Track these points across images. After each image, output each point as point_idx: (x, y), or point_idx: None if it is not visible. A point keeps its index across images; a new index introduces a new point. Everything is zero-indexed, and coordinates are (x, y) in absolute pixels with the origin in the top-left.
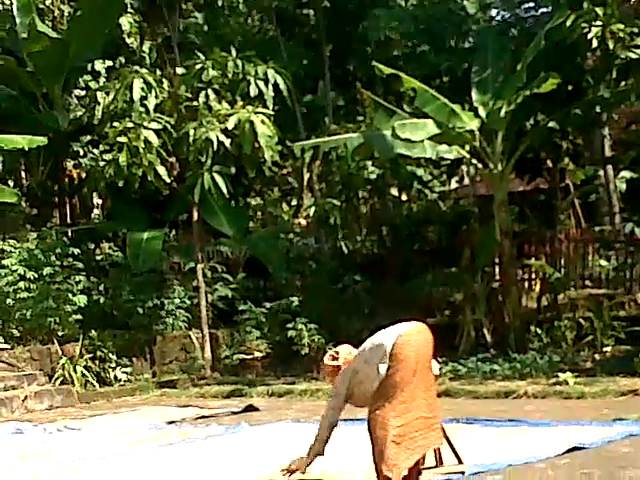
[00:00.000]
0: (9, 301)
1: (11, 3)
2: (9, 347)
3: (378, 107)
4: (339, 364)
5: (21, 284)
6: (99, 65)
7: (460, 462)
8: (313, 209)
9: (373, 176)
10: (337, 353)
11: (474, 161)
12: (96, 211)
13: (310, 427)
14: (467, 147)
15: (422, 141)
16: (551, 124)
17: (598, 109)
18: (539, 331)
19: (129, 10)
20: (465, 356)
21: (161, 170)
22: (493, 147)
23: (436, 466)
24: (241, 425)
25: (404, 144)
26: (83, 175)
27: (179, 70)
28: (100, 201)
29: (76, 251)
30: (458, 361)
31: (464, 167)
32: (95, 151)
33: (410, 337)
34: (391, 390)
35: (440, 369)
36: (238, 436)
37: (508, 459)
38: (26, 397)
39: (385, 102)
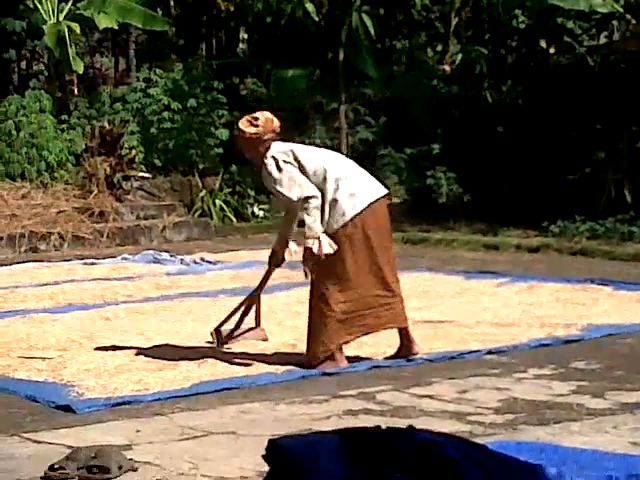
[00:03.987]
0: (153, 130)
1: None
2: (151, 176)
3: None
4: (258, 132)
5: (165, 114)
6: None
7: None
8: (460, 56)
9: (522, 26)
10: (255, 119)
11: (627, 16)
12: (242, 45)
13: (442, 277)
14: (622, 1)
15: None
16: None
17: None
18: None
19: None
20: (604, 216)
21: (310, 7)
22: None
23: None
24: None
25: None
26: (232, 8)
27: None
28: (246, 36)
29: (221, 85)
30: (597, 221)
31: (615, 22)
32: None
33: (377, 211)
34: (338, 261)
35: (577, 228)
36: None
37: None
38: (165, 227)
39: None
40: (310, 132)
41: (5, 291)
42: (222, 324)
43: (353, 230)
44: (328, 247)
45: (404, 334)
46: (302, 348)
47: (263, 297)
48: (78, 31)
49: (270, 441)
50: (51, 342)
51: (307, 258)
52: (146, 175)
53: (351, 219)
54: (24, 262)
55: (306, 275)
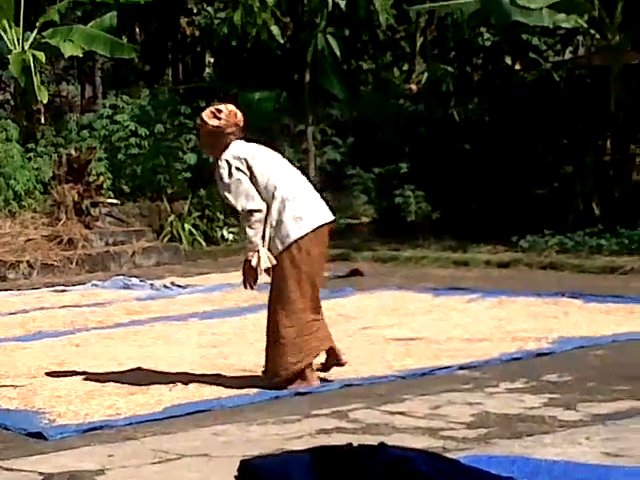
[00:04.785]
0: (120, 157)
1: None
2: (119, 203)
3: None
4: (220, 125)
5: (132, 140)
6: None
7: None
8: (425, 75)
9: (488, 43)
10: (219, 112)
11: (592, 31)
12: (208, 70)
13: (413, 295)
14: (585, 16)
15: (540, 9)
16: None
17: None
18: None
19: None
20: (572, 230)
21: (275, 30)
22: (612, 17)
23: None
24: (346, 289)
25: (521, 11)
26: (197, 33)
27: None
28: (212, 60)
29: (188, 109)
30: (565, 234)
31: (579, 37)
32: (209, 9)
33: (319, 235)
34: (283, 284)
35: (546, 242)
36: (344, 300)
37: (611, 335)
38: (134, 253)
39: None
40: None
41: None
42: None
43: (296, 253)
44: (267, 261)
45: (331, 351)
46: None
47: (233, 320)
48: (43, 60)
49: (242, 462)
50: (22, 370)
51: (247, 271)
52: (114, 201)
53: (295, 241)
54: None
55: (245, 287)
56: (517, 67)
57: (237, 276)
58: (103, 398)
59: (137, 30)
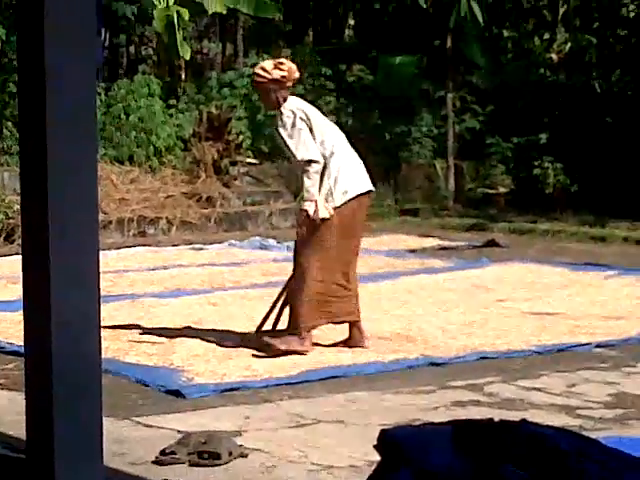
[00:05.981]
0: (260, 117)
1: None
2: (258, 162)
3: None
4: (285, 76)
5: None
6: None
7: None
8: (568, 44)
9: (632, 15)
10: (281, 64)
11: None
12: (348, 32)
13: (549, 268)
14: None
15: None
16: None
17: None
18: None
19: None
20: None
21: None
22: None
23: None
24: (482, 259)
25: None
26: None
27: None
28: (353, 22)
29: (328, 71)
30: None
31: None
32: None
33: (363, 204)
34: (320, 240)
35: None
36: (479, 270)
37: None
38: (271, 213)
39: None
40: (416, 120)
41: (114, 275)
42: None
43: (346, 212)
44: (324, 211)
45: (356, 327)
46: (411, 336)
47: (370, 286)
48: (187, 17)
49: (382, 431)
50: (160, 327)
51: (302, 220)
52: (253, 161)
53: (352, 199)
54: (132, 246)
55: (298, 235)
56: None
57: (373, 242)
58: (240, 359)
59: None
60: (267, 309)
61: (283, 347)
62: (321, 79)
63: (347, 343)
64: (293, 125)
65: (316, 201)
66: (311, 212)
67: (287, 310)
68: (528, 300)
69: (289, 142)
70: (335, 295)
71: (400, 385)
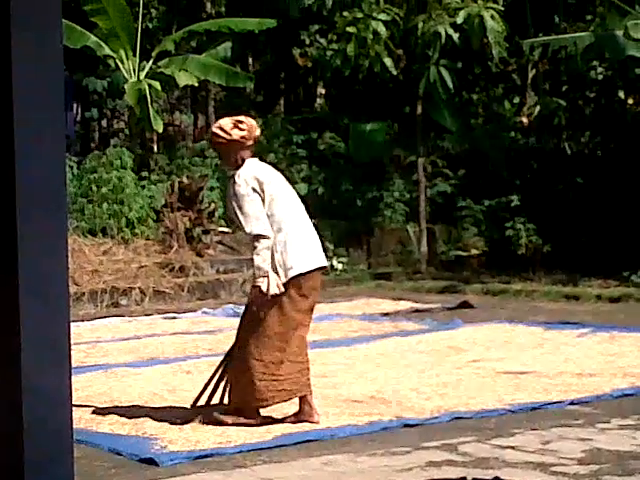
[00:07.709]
0: None
1: None
2: (230, 231)
3: (610, 6)
4: (244, 136)
5: None
6: None
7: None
8: (537, 108)
9: (600, 77)
10: (241, 122)
11: None
12: (319, 101)
13: (523, 328)
14: None
15: None
16: None
17: None
18: None
19: None
20: None
21: (388, 62)
22: None
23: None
24: (455, 321)
25: (636, 45)
26: (309, 64)
27: None
28: (324, 91)
29: (300, 139)
30: None
31: None
32: (322, 40)
33: (314, 278)
34: (264, 315)
35: None
36: (452, 332)
37: None
38: (244, 281)
39: (618, 1)
40: (388, 185)
41: (87, 346)
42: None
43: (295, 288)
44: (275, 287)
45: (306, 401)
46: (385, 399)
47: (344, 350)
48: (159, 89)
49: None
50: (133, 396)
51: (256, 296)
52: (226, 230)
53: (296, 276)
54: (106, 317)
55: (248, 310)
56: (630, 101)
57: (347, 307)
58: (214, 425)
59: (250, 61)
60: (205, 381)
61: (230, 421)
62: (293, 147)
63: (297, 417)
64: (245, 195)
65: (268, 276)
66: (264, 288)
67: (223, 385)
68: (501, 360)
69: (239, 213)
70: (289, 371)
71: (375, 447)
